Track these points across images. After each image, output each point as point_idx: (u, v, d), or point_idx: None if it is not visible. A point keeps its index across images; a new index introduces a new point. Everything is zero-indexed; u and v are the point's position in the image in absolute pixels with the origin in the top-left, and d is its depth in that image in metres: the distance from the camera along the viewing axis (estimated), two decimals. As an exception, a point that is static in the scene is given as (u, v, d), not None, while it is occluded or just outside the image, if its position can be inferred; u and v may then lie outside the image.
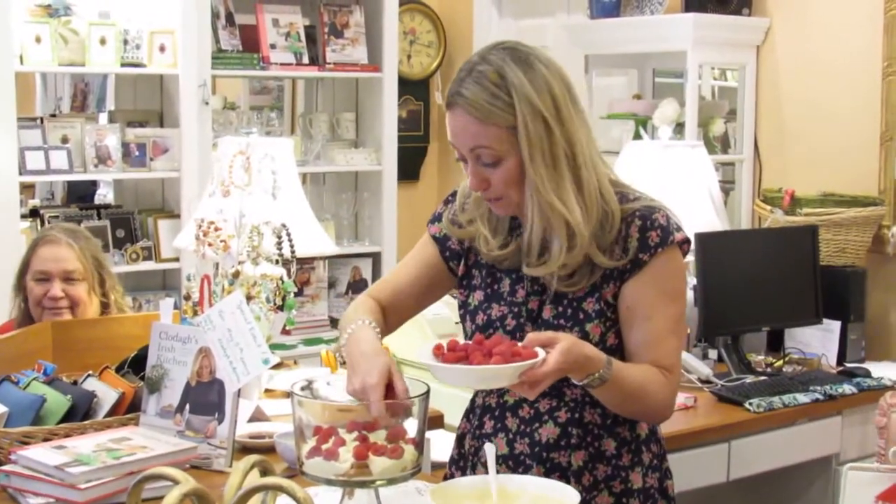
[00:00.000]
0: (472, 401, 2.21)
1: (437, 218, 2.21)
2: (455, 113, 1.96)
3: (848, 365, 3.67)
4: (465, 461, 2.19)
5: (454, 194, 2.19)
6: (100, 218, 4.71)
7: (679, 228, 2.04)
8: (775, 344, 3.83)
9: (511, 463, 2.07)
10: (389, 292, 2.17)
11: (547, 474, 2.02)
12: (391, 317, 2.15)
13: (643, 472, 2.08)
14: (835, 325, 3.75)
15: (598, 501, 2.05)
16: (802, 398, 3.29)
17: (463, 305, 2.16)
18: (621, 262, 2.00)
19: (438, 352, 1.87)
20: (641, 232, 2.00)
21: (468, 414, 2.21)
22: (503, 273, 2.10)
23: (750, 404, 3.19)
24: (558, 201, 1.95)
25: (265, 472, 1.66)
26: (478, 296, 2.12)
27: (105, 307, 3.13)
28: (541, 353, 1.82)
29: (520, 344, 1.84)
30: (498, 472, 1.86)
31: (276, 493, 1.59)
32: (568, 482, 1.93)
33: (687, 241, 2.05)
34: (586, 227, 1.97)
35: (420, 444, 1.85)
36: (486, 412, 2.14)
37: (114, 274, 3.23)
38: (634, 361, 2.01)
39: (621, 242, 2.00)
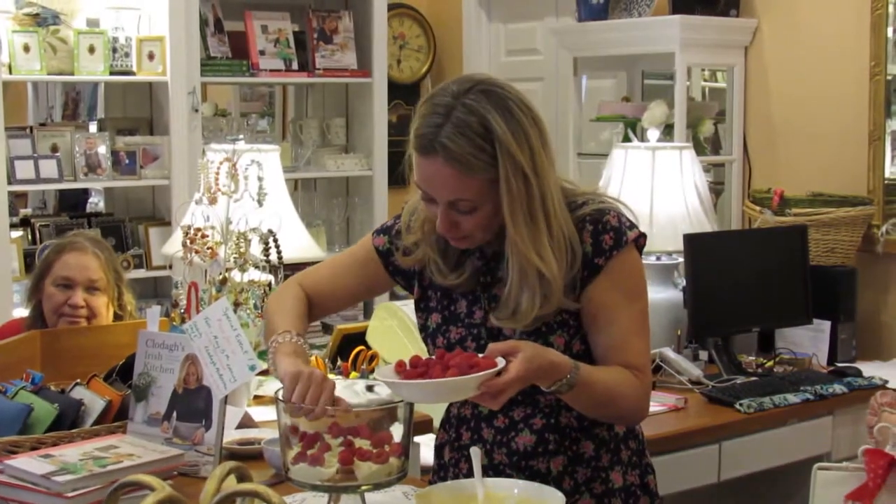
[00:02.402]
0: (448, 411, 2.18)
1: (384, 230, 2.16)
2: (432, 161, 1.87)
3: (839, 365, 3.67)
4: (445, 472, 2.16)
5: None
6: (90, 226, 4.70)
7: (632, 226, 2.01)
8: (766, 344, 3.83)
9: (491, 473, 2.02)
10: (321, 291, 2.18)
11: None
12: (316, 310, 2.18)
13: (623, 471, 2.07)
14: (825, 325, 3.75)
15: (579, 505, 2.04)
16: (793, 398, 3.29)
17: (423, 329, 2.13)
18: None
19: (400, 368, 1.83)
20: (594, 237, 1.98)
21: (444, 424, 2.18)
22: (459, 295, 2.06)
23: (740, 405, 3.19)
24: (537, 256, 1.91)
25: (242, 479, 1.66)
26: (435, 318, 2.09)
27: (118, 320, 3.10)
28: (500, 362, 1.79)
29: (480, 355, 1.81)
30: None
31: (253, 500, 1.59)
32: (547, 488, 1.92)
33: (642, 236, 2.02)
34: (562, 278, 1.93)
35: (406, 448, 1.85)
36: (462, 423, 2.12)
37: (130, 288, 3.20)
38: (603, 365, 1.99)
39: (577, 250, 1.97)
